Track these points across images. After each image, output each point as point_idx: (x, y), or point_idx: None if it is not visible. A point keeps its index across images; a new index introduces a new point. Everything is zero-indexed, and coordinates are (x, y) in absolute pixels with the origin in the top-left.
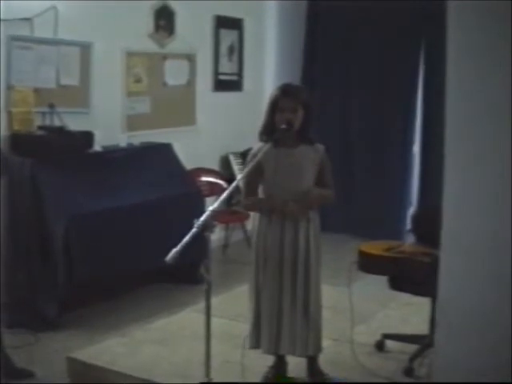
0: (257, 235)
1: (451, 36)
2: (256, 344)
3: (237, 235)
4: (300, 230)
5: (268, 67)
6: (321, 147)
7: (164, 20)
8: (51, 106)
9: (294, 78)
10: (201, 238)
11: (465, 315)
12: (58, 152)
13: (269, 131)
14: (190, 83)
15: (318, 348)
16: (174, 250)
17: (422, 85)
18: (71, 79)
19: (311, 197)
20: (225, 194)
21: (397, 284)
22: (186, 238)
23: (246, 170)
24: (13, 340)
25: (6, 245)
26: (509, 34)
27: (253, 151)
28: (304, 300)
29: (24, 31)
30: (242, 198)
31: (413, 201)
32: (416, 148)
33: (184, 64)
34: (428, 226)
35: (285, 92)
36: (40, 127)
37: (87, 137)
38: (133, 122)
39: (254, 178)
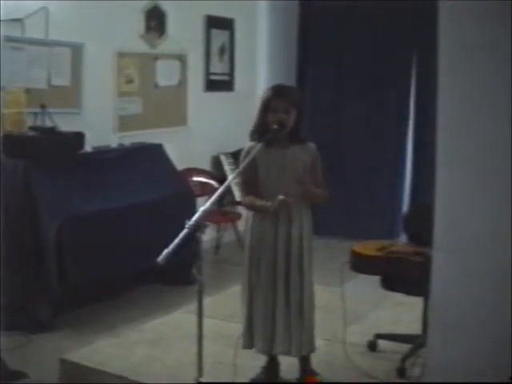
0: (250, 235)
1: (443, 35)
2: (250, 344)
3: (228, 236)
4: (293, 229)
5: (259, 67)
6: (312, 146)
7: (155, 21)
8: (43, 106)
9: (287, 78)
10: (192, 239)
11: (458, 316)
12: (49, 153)
13: (260, 131)
14: (182, 84)
15: (312, 348)
16: (166, 251)
17: (414, 84)
18: (62, 80)
19: (308, 187)
20: (216, 195)
21: (389, 284)
22: (178, 239)
23: (241, 167)
24: (6, 342)
25: (1, 246)
26: (502, 34)
27: (245, 149)
28: (298, 299)
29: (15, 32)
30: (241, 196)
31: (405, 200)
32: (408, 148)
33: (175, 64)
34: (420, 226)
35: (277, 92)
36: (31, 128)
37: (78, 137)
38: (124, 123)
39: (249, 175)
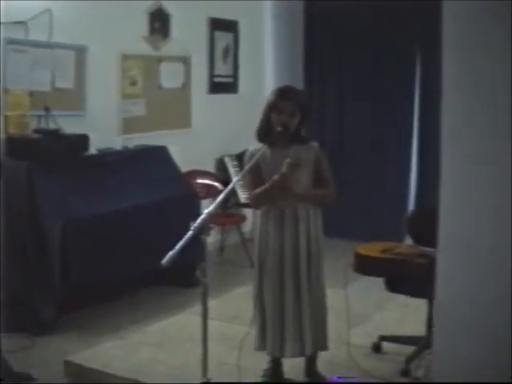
0: (258, 238)
1: (446, 34)
2: (262, 346)
3: (233, 238)
4: (300, 229)
5: (264, 69)
6: (315, 144)
7: (159, 23)
8: (46, 109)
9: (293, 79)
10: (197, 241)
11: (462, 316)
12: (53, 155)
13: (265, 133)
14: (186, 86)
15: (323, 345)
16: (170, 253)
17: (419, 86)
18: (66, 82)
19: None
20: (221, 197)
21: (393, 285)
22: (183, 241)
23: (246, 169)
24: (9, 344)
25: (2, 248)
26: (506, 33)
27: (250, 152)
28: (308, 300)
29: (19, 34)
30: (248, 196)
31: (410, 202)
32: (413, 150)
33: (179, 66)
34: (424, 227)
35: (283, 95)
36: (35, 130)
37: (83, 140)
38: (128, 125)
39: (254, 178)
